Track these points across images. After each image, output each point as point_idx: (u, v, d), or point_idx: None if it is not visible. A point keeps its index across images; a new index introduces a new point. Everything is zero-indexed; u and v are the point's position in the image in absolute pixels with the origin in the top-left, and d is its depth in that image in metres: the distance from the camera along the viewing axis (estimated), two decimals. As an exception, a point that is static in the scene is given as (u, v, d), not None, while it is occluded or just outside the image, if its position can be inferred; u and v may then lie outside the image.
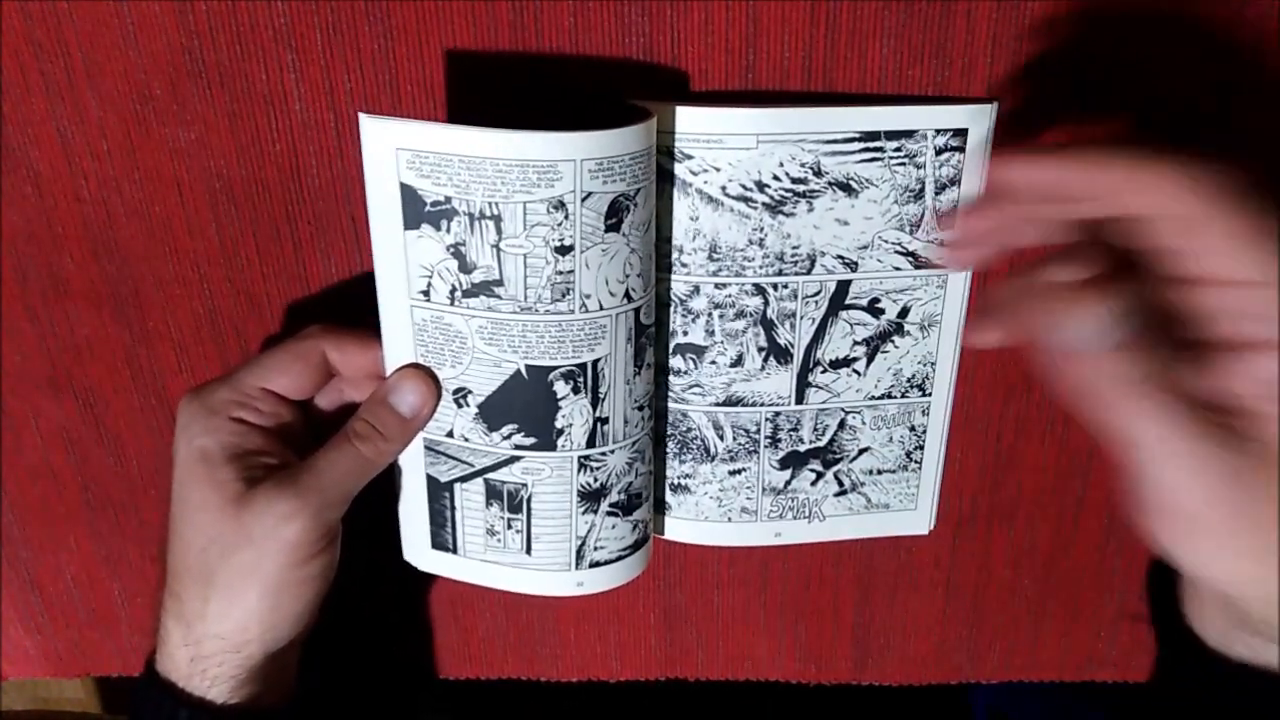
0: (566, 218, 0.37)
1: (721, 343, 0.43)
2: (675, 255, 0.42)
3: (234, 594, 0.39)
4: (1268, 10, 0.40)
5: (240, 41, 0.41)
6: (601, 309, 0.39)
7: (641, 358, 0.42)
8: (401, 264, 0.39)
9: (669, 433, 0.46)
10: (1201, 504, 0.30)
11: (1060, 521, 0.50)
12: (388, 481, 0.44)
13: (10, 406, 0.49)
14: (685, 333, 0.43)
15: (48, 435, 0.49)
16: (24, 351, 0.47)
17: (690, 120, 0.40)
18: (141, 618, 0.54)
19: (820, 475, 0.47)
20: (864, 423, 0.46)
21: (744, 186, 0.41)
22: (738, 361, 0.44)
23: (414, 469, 0.43)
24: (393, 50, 0.41)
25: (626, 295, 0.40)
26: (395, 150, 0.37)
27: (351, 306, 0.44)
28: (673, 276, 0.42)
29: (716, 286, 0.42)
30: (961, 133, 0.41)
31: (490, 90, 0.41)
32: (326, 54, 0.41)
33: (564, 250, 0.38)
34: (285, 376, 0.42)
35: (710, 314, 0.43)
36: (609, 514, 0.43)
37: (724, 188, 0.41)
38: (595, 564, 0.44)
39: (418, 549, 0.45)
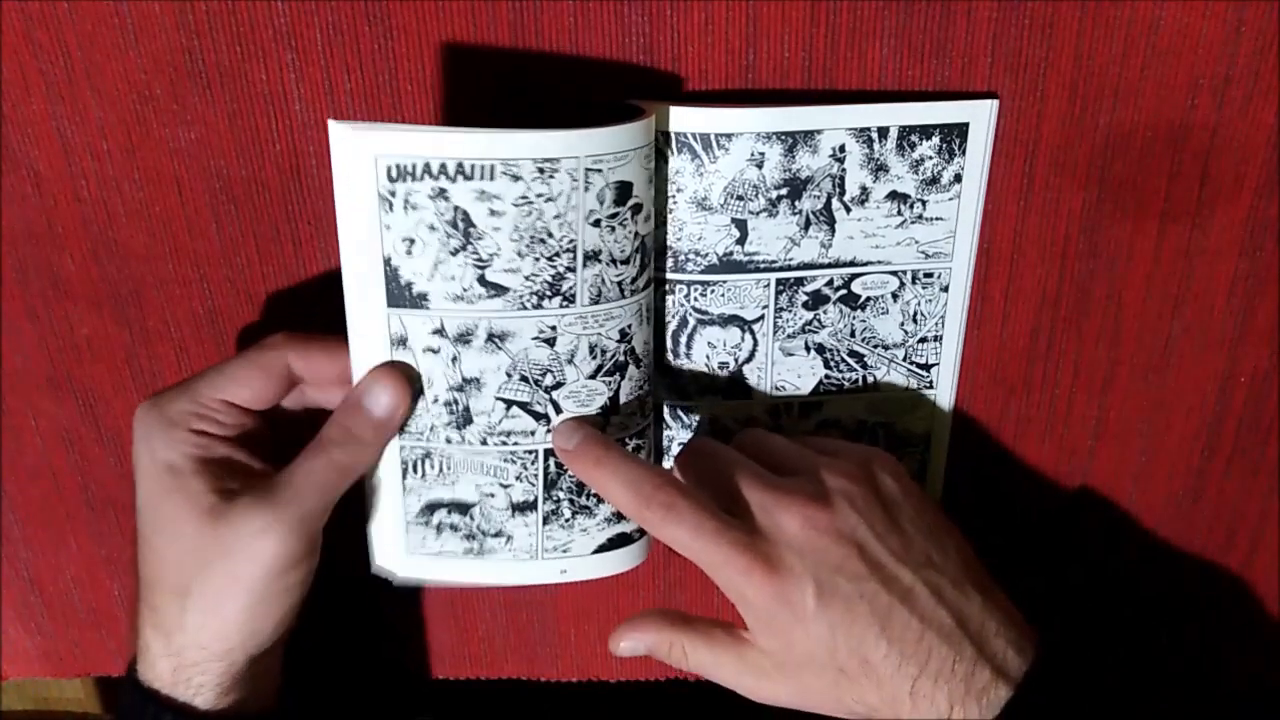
0: (560, 216, 0.37)
1: (717, 341, 0.43)
2: (671, 253, 0.42)
3: (212, 606, 0.39)
4: (1266, 14, 0.40)
5: (240, 41, 0.41)
6: (597, 306, 0.39)
7: (636, 354, 0.42)
8: (379, 270, 0.38)
9: (667, 428, 0.46)
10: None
11: (1060, 521, 0.50)
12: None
13: (10, 406, 0.49)
14: (682, 330, 0.43)
15: (48, 435, 0.49)
16: (24, 351, 0.47)
17: (688, 119, 0.40)
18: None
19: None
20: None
21: (741, 186, 0.41)
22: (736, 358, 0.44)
23: (390, 473, 0.42)
24: (392, 50, 0.41)
25: (622, 293, 0.40)
26: (374, 158, 0.36)
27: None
28: (669, 274, 0.42)
29: (712, 285, 0.42)
30: (962, 129, 0.41)
31: (490, 90, 0.41)
32: (326, 54, 0.41)
33: (559, 249, 0.38)
34: (246, 389, 0.40)
35: (707, 313, 0.43)
36: (595, 504, 0.43)
37: (722, 187, 0.41)
38: (579, 553, 0.44)
39: (393, 556, 0.44)
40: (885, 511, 0.39)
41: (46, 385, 0.48)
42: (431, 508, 0.43)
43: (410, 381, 0.40)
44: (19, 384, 0.48)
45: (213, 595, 0.39)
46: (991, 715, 0.36)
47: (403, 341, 0.40)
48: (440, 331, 0.39)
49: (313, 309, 0.46)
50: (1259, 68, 0.41)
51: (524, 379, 0.40)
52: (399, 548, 0.44)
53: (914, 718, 0.37)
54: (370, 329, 0.40)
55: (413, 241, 0.38)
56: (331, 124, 0.36)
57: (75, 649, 0.55)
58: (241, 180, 0.43)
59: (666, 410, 0.45)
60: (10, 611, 0.54)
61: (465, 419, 0.41)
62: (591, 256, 0.39)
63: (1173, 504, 0.50)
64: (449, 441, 0.41)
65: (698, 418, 0.45)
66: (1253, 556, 0.51)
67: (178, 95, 0.42)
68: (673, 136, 0.40)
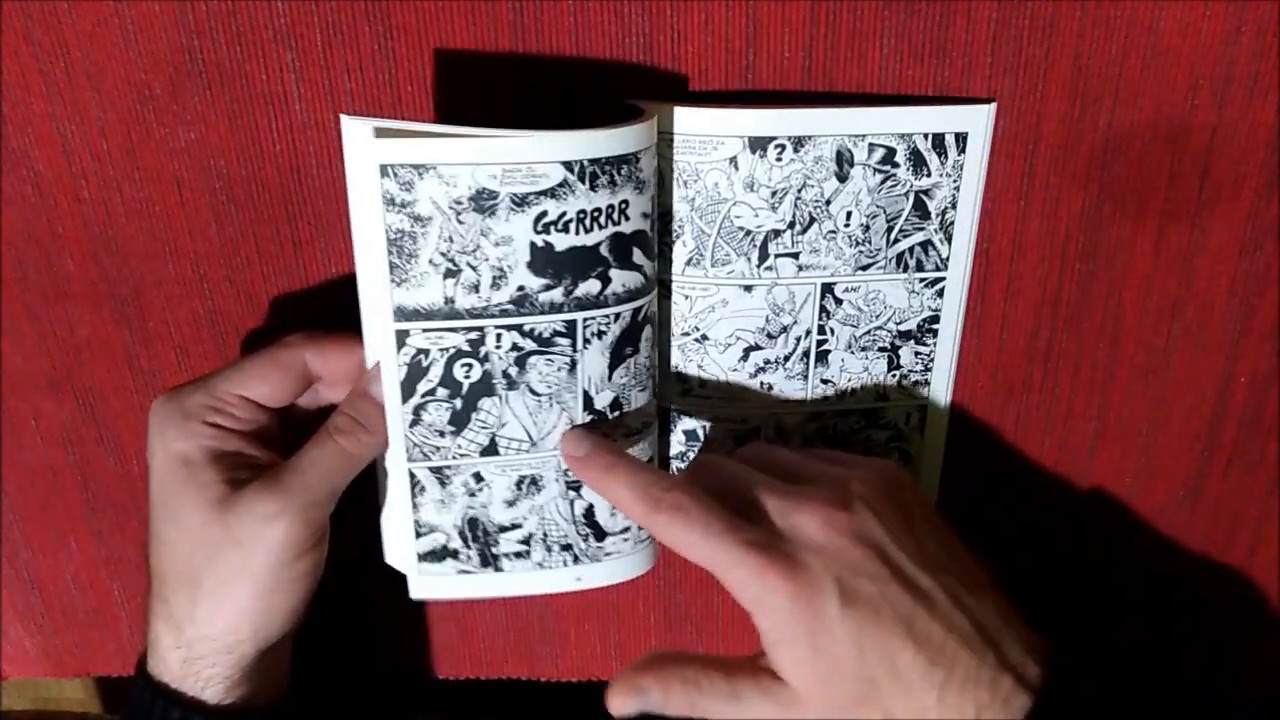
0: (563, 218, 0.37)
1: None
2: (667, 256, 0.42)
3: (222, 596, 0.39)
4: (1266, 14, 0.40)
5: (240, 41, 0.41)
6: (608, 309, 0.39)
7: (644, 355, 0.42)
8: (385, 265, 0.38)
9: (673, 433, 0.46)
10: None
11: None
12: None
13: (10, 406, 0.49)
14: (676, 335, 0.43)
15: (48, 435, 0.49)
16: (24, 351, 0.47)
17: (684, 120, 0.39)
18: (141, 618, 0.54)
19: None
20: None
21: (740, 187, 0.41)
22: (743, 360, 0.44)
23: (398, 475, 0.42)
24: (392, 50, 0.41)
25: (634, 295, 0.40)
26: (378, 165, 0.36)
27: (351, 306, 0.43)
28: (671, 277, 0.42)
29: (705, 292, 0.42)
30: (960, 137, 0.41)
31: (490, 90, 0.41)
32: (326, 54, 0.41)
33: (574, 254, 0.38)
34: (264, 385, 0.41)
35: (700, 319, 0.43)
36: (609, 511, 0.43)
37: (713, 192, 0.40)
38: (593, 560, 0.44)
39: (404, 554, 0.44)
40: (900, 516, 0.38)
41: (46, 385, 0.48)
42: (441, 517, 0.42)
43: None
44: (19, 384, 0.48)
45: (223, 585, 0.39)
46: None
47: (408, 338, 0.40)
48: (448, 333, 0.39)
49: (313, 309, 0.46)
50: (1259, 68, 0.41)
51: (532, 390, 0.40)
52: (410, 563, 0.43)
53: None
54: (378, 324, 0.40)
55: (415, 239, 0.38)
56: (344, 118, 0.36)
57: (75, 649, 0.55)
58: (241, 180, 0.43)
59: (671, 414, 0.45)
60: (10, 611, 0.54)
61: (466, 423, 0.41)
62: (604, 261, 0.39)
63: (1173, 504, 0.50)
64: (459, 448, 0.41)
65: (700, 423, 0.45)
66: (1253, 556, 0.51)
67: (178, 95, 0.42)
68: (674, 138, 0.40)
